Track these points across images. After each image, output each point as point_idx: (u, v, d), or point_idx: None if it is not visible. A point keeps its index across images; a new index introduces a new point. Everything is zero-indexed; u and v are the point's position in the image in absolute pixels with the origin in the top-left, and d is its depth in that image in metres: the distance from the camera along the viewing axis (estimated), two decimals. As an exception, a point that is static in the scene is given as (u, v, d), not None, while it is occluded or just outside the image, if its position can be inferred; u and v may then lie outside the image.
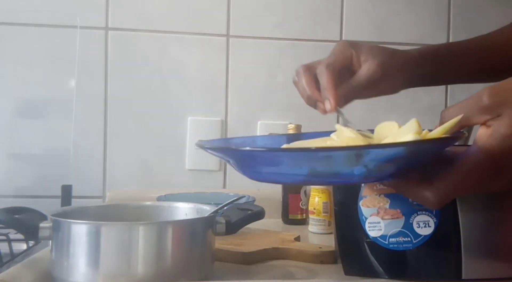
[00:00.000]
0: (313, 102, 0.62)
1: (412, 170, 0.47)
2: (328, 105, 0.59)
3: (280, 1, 1.24)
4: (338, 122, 0.58)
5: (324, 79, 0.60)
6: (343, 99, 0.61)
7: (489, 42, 0.72)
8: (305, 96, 0.63)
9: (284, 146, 0.57)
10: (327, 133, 0.54)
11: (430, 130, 0.47)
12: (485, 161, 0.43)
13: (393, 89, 0.67)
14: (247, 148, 0.48)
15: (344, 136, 0.50)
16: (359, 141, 0.48)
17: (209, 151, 0.50)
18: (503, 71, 0.69)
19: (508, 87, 0.43)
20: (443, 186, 0.45)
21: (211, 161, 1.20)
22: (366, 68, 0.62)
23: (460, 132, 0.46)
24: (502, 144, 0.42)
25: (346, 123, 0.56)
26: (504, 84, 0.44)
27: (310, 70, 0.63)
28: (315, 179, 0.51)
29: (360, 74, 0.62)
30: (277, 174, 0.49)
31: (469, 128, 0.54)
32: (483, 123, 0.44)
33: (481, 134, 0.44)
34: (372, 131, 0.53)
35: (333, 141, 0.51)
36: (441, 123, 0.46)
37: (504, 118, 0.42)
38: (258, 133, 1.22)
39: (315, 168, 0.45)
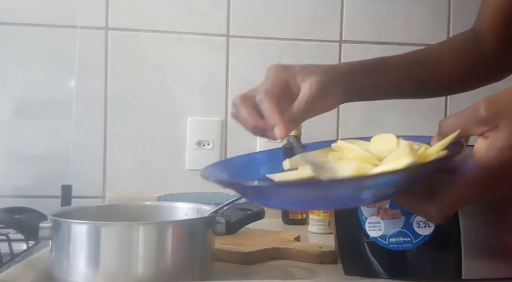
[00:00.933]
0: (260, 132, 0.59)
1: (413, 187, 0.47)
2: (277, 132, 0.56)
3: (280, 1, 1.24)
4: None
5: (267, 106, 0.58)
6: (292, 123, 0.58)
7: (419, 57, 0.72)
8: (249, 127, 0.60)
9: (286, 163, 0.56)
10: (327, 143, 0.54)
11: (428, 144, 0.48)
12: (484, 173, 0.43)
13: (333, 105, 0.64)
14: (253, 183, 0.46)
15: (347, 154, 0.50)
16: (364, 160, 0.47)
17: (212, 181, 0.48)
18: (431, 87, 0.71)
19: (504, 99, 0.44)
20: (444, 201, 0.45)
21: (211, 160, 1.19)
22: (307, 86, 0.60)
23: (459, 145, 0.45)
24: (499, 156, 0.42)
25: (300, 150, 0.57)
26: (500, 95, 0.44)
27: (247, 100, 0.61)
28: (318, 206, 0.51)
29: (303, 93, 0.60)
30: (280, 202, 0.49)
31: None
32: (481, 135, 0.44)
33: (480, 147, 0.44)
34: (364, 139, 0.53)
35: (335, 155, 0.51)
36: (439, 133, 0.47)
37: (501, 131, 0.43)
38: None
39: (319, 197, 0.45)
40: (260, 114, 0.59)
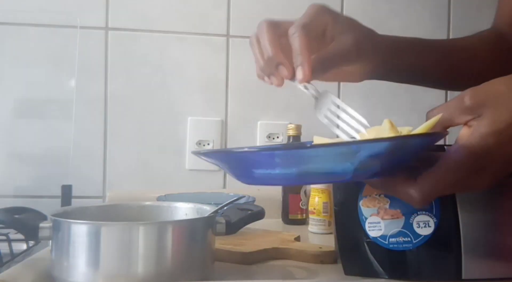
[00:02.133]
0: (272, 67, 0.53)
1: (397, 168, 0.47)
2: (300, 74, 0.50)
3: (280, 1, 1.24)
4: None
5: (297, 42, 0.51)
6: (318, 70, 0.52)
7: (455, 43, 0.71)
8: (262, 59, 0.54)
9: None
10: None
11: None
12: (466, 159, 0.44)
13: (360, 76, 0.61)
14: (237, 150, 0.46)
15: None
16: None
17: (202, 157, 0.50)
18: (463, 75, 0.68)
19: (489, 88, 0.44)
20: (426, 184, 0.45)
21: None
22: (342, 42, 0.54)
23: (443, 133, 0.46)
24: (482, 143, 0.43)
25: (315, 96, 0.52)
26: (485, 86, 0.45)
27: (275, 27, 0.54)
28: (304, 178, 0.49)
29: (335, 49, 0.54)
30: (267, 175, 0.47)
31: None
32: (465, 124, 0.45)
33: (463, 134, 0.45)
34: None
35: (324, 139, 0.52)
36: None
37: (484, 118, 0.43)
38: (258, 133, 1.22)
39: (304, 166, 0.45)
40: (283, 47, 0.53)
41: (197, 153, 0.49)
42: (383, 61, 0.61)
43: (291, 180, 0.51)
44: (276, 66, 0.53)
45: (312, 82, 0.53)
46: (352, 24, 0.58)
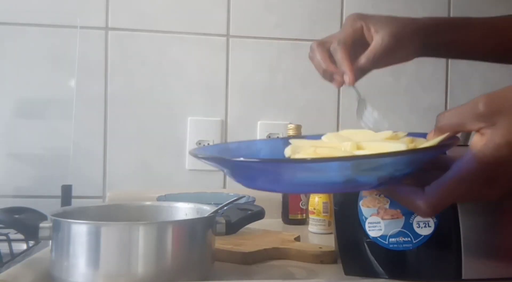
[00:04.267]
0: (329, 76, 0.65)
1: (405, 177, 0.46)
2: (346, 78, 0.62)
3: (280, 1, 1.24)
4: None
5: (339, 55, 0.63)
6: (359, 71, 0.63)
7: (505, 19, 0.72)
8: (321, 70, 0.65)
9: (287, 150, 0.55)
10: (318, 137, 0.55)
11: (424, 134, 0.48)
12: (477, 170, 0.43)
13: (407, 57, 0.68)
14: (240, 159, 0.46)
15: (336, 142, 0.51)
16: (353, 149, 0.48)
17: (202, 160, 0.48)
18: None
19: (504, 95, 0.43)
20: (434, 195, 0.44)
21: (211, 161, 1.20)
22: (379, 39, 0.64)
23: (454, 138, 0.45)
24: (495, 154, 0.42)
25: (360, 98, 0.62)
26: (501, 92, 0.43)
27: (323, 45, 0.66)
28: (309, 188, 0.51)
29: (374, 45, 0.64)
30: (269, 183, 0.48)
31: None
32: (478, 131, 0.44)
33: (475, 143, 0.43)
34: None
35: (324, 146, 0.52)
36: (436, 126, 0.46)
37: (499, 128, 0.42)
38: (258, 133, 1.22)
39: (309, 178, 0.45)
40: (332, 59, 0.64)
41: (194, 155, 0.48)
42: (427, 40, 0.67)
43: (292, 189, 0.52)
44: (330, 76, 0.65)
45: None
46: (385, 21, 0.67)
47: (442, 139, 0.45)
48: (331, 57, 0.64)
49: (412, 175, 0.46)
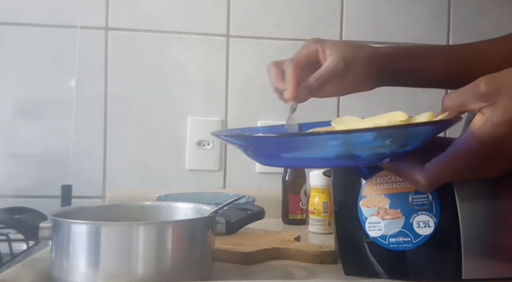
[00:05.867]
0: (279, 93, 0.67)
1: (407, 155, 0.48)
2: (287, 94, 0.64)
3: (280, 1, 1.24)
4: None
5: (287, 72, 0.65)
6: (306, 91, 0.64)
7: (479, 51, 0.72)
8: (273, 87, 0.68)
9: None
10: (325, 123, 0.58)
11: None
12: (475, 147, 0.44)
13: (361, 83, 0.69)
14: (260, 134, 0.51)
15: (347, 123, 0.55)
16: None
17: (222, 138, 0.53)
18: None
19: (505, 76, 0.44)
20: (433, 170, 0.46)
21: (211, 161, 1.20)
22: (329, 60, 0.65)
23: (457, 118, 0.47)
24: (493, 132, 0.43)
25: (289, 122, 0.63)
26: (503, 73, 0.44)
27: (278, 65, 0.69)
28: (317, 162, 0.55)
29: (324, 66, 0.65)
30: (285, 158, 0.52)
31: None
32: (479, 111, 0.45)
33: (475, 122, 0.45)
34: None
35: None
36: (442, 107, 0.48)
37: (498, 107, 0.43)
38: (258, 133, 1.22)
39: (315, 150, 0.48)
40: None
41: (216, 135, 0.52)
42: (383, 67, 0.68)
43: (304, 162, 0.56)
44: (281, 93, 0.67)
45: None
46: (340, 45, 0.67)
47: (441, 118, 0.46)
48: (284, 75, 0.66)
49: (413, 153, 0.48)
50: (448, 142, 0.47)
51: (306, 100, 0.65)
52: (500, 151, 0.44)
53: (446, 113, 0.47)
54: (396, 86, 0.72)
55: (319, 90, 0.65)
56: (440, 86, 0.75)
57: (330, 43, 0.67)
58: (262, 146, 0.51)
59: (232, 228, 0.60)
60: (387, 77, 0.70)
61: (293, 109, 0.64)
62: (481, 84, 0.44)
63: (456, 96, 0.47)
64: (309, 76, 0.65)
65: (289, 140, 0.49)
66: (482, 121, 0.44)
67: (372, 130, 0.46)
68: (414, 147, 0.48)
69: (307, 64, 0.67)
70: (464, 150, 0.44)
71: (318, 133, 0.49)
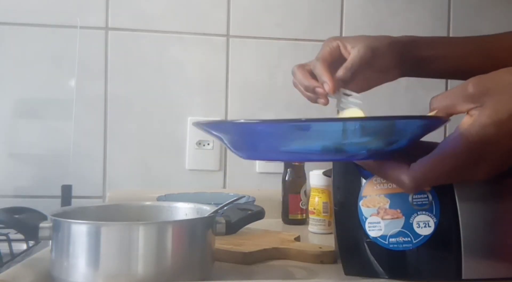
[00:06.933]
0: (311, 91, 0.67)
1: (394, 152, 0.47)
2: (326, 86, 0.64)
3: (280, 1, 1.24)
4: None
5: (318, 69, 0.66)
6: (340, 82, 0.65)
7: (501, 40, 0.72)
8: (303, 87, 0.68)
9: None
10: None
11: None
12: (462, 148, 0.43)
13: (388, 72, 0.69)
14: (242, 120, 0.47)
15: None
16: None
17: (205, 128, 0.50)
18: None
19: (493, 78, 0.43)
20: (419, 170, 0.45)
21: (211, 161, 1.20)
22: (356, 51, 0.66)
23: (444, 118, 0.46)
24: (480, 133, 0.42)
25: (350, 102, 0.64)
26: (491, 75, 0.44)
27: (303, 67, 0.69)
28: (301, 155, 0.53)
29: (352, 56, 0.66)
30: (265, 149, 0.50)
31: None
32: (467, 112, 0.44)
33: (463, 123, 0.44)
34: None
35: None
36: (430, 109, 0.48)
37: (486, 108, 0.42)
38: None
39: (308, 141, 0.46)
40: (314, 77, 0.67)
41: (199, 124, 0.50)
42: (405, 54, 0.69)
43: (285, 156, 0.56)
44: (313, 92, 0.67)
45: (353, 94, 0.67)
46: (359, 38, 0.68)
47: (428, 116, 0.46)
48: (312, 75, 0.67)
49: (399, 153, 0.47)
50: (434, 146, 0.46)
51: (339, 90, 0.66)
52: (488, 152, 0.43)
53: (433, 113, 0.47)
54: (419, 77, 0.73)
55: (352, 81, 0.66)
56: (463, 77, 0.75)
57: (349, 38, 0.68)
58: (243, 133, 0.49)
59: (232, 228, 0.60)
60: (410, 66, 0.70)
61: (339, 103, 0.65)
62: (469, 85, 0.44)
63: (444, 98, 0.46)
64: (336, 72, 0.66)
65: (268, 126, 0.47)
66: (470, 122, 0.43)
67: (363, 119, 0.46)
68: (400, 145, 0.47)
69: (332, 62, 0.67)
70: (452, 150, 0.44)
71: (300, 120, 0.46)
